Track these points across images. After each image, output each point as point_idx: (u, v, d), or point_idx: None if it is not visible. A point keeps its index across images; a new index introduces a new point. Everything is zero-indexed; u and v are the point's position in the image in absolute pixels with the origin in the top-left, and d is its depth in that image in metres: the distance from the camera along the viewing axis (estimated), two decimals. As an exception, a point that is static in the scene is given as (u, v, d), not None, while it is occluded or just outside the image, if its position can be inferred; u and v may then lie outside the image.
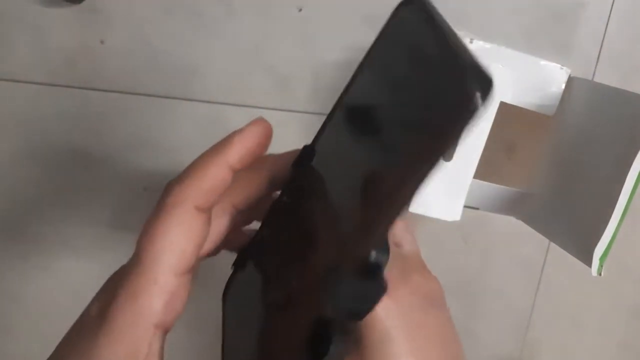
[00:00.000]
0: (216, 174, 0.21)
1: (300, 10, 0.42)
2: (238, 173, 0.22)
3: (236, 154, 0.21)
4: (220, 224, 0.23)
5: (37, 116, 0.43)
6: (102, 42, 0.42)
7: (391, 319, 0.22)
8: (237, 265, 0.25)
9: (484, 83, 0.16)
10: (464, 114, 0.17)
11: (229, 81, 0.43)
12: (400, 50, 0.23)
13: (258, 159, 0.22)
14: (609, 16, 0.46)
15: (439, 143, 0.19)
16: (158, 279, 0.19)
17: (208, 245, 0.22)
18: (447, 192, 0.37)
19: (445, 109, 0.18)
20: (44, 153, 0.44)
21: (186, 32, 0.42)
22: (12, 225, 0.45)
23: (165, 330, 0.20)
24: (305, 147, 0.23)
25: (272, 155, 0.24)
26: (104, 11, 0.41)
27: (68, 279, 0.47)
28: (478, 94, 0.16)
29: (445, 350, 0.24)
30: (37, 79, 0.42)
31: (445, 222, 0.38)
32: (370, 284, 0.19)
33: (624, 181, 0.32)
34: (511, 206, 0.41)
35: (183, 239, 0.20)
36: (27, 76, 0.42)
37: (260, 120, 0.22)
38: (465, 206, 0.38)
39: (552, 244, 0.39)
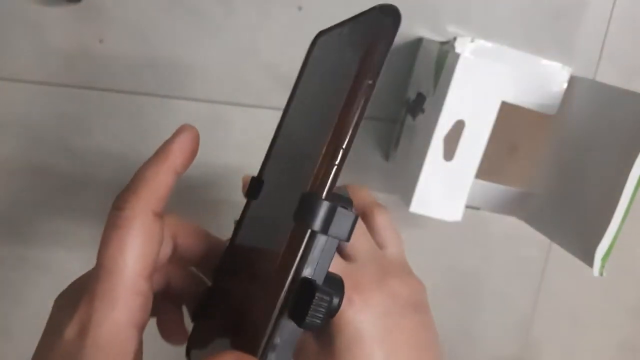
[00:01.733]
0: (166, 180, 0.22)
1: (300, 9, 0.42)
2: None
3: (178, 159, 0.23)
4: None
5: (36, 115, 0.42)
6: (101, 41, 0.41)
7: (362, 322, 0.22)
8: (195, 318, 0.25)
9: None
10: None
11: (228, 81, 0.43)
12: (319, 71, 0.26)
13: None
14: (611, 15, 0.46)
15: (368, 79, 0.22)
16: (133, 286, 0.20)
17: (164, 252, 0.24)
18: (448, 192, 0.37)
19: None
20: (43, 152, 0.43)
21: (186, 31, 0.42)
22: (10, 224, 0.45)
23: (143, 328, 0.21)
24: (253, 179, 0.25)
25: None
26: (103, 11, 0.41)
27: (68, 279, 0.46)
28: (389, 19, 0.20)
29: (421, 354, 0.25)
30: (36, 79, 0.42)
31: (446, 222, 0.37)
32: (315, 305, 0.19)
33: (626, 181, 0.32)
34: (512, 206, 0.41)
35: (148, 244, 0.21)
36: (26, 75, 0.42)
37: (188, 126, 0.24)
38: (466, 206, 0.38)
39: (554, 244, 0.39)
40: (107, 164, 0.44)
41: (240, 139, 0.45)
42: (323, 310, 0.19)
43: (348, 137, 0.22)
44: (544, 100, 0.39)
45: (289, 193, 0.21)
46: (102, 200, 0.45)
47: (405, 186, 0.38)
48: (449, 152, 0.36)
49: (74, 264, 0.46)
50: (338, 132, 0.21)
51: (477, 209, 0.41)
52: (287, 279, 0.19)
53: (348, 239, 0.20)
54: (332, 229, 0.19)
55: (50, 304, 0.23)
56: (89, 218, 0.45)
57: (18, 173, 0.44)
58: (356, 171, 0.47)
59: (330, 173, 0.21)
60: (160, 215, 0.22)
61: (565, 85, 0.39)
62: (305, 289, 0.19)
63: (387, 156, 0.46)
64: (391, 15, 0.21)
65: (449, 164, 0.36)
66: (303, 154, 0.22)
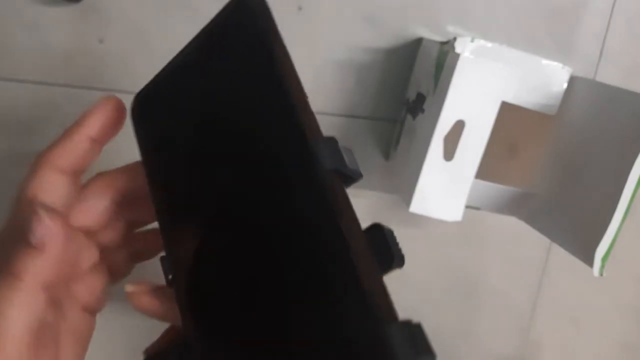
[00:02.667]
0: (77, 141, 0.24)
1: (300, 9, 0.42)
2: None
3: (93, 124, 0.25)
4: (99, 201, 0.25)
5: (35, 115, 0.42)
6: (100, 41, 0.41)
7: None
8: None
9: None
10: None
11: (228, 81, 0.43)
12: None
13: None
14: (611, 15, 0.46)
15: None
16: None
17: (86, 216, 0.24)
18: (448, 192, 0.37)
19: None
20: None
21: (186, 31, 0.42)
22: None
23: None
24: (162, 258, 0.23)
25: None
26: (103, 10, 0.41)
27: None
28: None
29: None
30: (35, 78, 0.42)
31: (446, 222, 0.37)
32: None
33: (626, 181, 0.32)
34: (513, 206, 0.41)
35: (50, 193, 0.23)
36: (26, 75, 0.42)
37: (110, 96, 0.25)
38: (466, 206, 0.38)
39: (554, 244, 0.39)
40: (106, 164, 0.44)
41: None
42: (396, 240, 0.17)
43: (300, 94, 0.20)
44: (544, 100, 0.39)
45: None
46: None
47: (405, 186, 0.38)
48: (449, 152, 0.36)
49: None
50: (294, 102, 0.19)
51: (477, 209, 0.41)
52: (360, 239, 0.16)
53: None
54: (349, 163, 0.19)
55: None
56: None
57: (17, 172, 0.44)
58: (356, 171, 0.47)
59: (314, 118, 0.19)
60: (67, 173, 0.24)
61: (565, 85, 0.39)
62: (375, 234, 0.17)
63: (387, 156, 0.46)
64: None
65: (449, 164, 0.36)
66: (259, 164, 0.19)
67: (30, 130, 0.43)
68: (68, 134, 0.25)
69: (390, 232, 0.18)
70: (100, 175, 0.26)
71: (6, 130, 0.43)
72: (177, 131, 0.23)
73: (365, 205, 0.47)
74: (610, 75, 0.47)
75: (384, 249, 0.17)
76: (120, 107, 0.25)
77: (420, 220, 0.48)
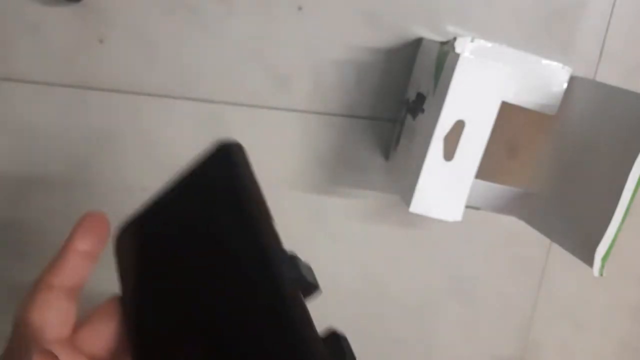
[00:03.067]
0: (69, 259, 0.25)
1: (300, 9, 0.42)
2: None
3: (82, 239, 0.25)
4: (106, 326, 0.24)
5: (35, 115, 0.42)
6: (100, 41, 0.41)
7: None
8: None
9: None
10: None
11: (228, 80, 0.43)
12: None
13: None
14: (611, 15, 0.46)
15: None
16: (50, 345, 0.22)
17: (93, 342, 0.24)
18: (448, 192, 0.37)
19: None
20: (43, 152, 0.43)
21: (186, 31, 0.42)
22: (10, 224, 0.45)
23: None
24: None
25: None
26: (103, 10, 0.41)
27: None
28: None
29: None
30: (36, 78, 0.42)
31: (446, 222, 0.37)
32: None
33: (626, 180, 0.32)
34: (513, 206, 0.41)
35: (48, 314, 0.23)
36: (26, 75, 0.42)
37: (94, 212, 0.26)
38: (466, 206, 0.38)
39: (554, 244, 0.39)
40: (105, 164, 0.44)
41: (240, 139, 0.45)
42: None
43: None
44: (544, 100, 0.39)
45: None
46: (100, 200, 0.45)
47: (405, 186, 0.38)
48: (449, 152, 0.36)
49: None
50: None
51: (477, 209, 0.41)
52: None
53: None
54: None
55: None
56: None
57: (17, 172, 0.44)
58: (356, 171, 0.47)
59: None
60: (68, 292, 0.24)
61: (565, 85, 0.39)
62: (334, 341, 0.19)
63: (387, 156, 0.46)
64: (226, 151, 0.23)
65: (449, 164, 0.36)
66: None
67: (30, 130, 0.43)
68: (60, 253, 0.25)
69: (345, 339, 0.20)
70: (112, 298, 0.25)
71: (6, 130, 0.43)
72: (153, 262, 0.25)
73: (365, 205, 0.47)
74: (610, 75, 0.47)
75: (340, 356, 0.20)
76: (104, 220, 0.26)
77: (420, 220, 0.48)
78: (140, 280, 0.25)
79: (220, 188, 0.24)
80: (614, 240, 0.33)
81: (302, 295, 0.20)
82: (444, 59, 0.37)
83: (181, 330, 0.22)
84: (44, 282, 0.24)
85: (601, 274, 0.33)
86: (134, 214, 0.27)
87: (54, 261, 0.25)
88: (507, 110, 0.37)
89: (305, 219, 0.47)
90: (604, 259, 0.33)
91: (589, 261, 0.33)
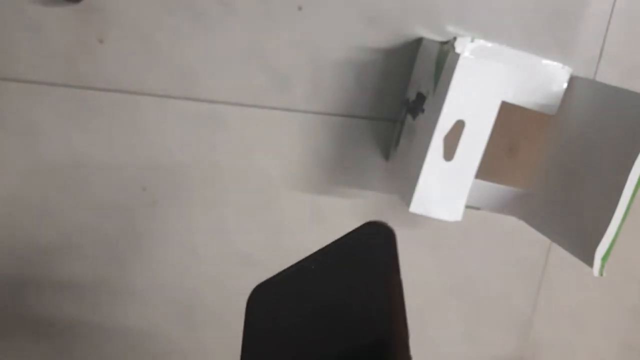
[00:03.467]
0: None
1: (300, 9, 0.42)
2: None
3: None
4: None
5: (35, 115, 0.42)
6: (100, 41, 0.41)
7: None
8: None
9: None
10: None
11: (228, 80, 0.43)
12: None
13: None
14: (611, 15, 0.46)
15: None
16: None
17: None
18: (448, 192, 0.37)
19: None
20: (43, 152, 0.43)
21: (186, 31, 0.42)
22: (10, 225, 0.45)
23: None
24: None
25: None
26: (103, 10, 0.41)
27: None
28: None
29: None
30: (36, 78, 0.42)
31: (446, 222, 0.37)
32: None
33: (626, 180, 0.32)
34: (513, 206, 0.41)
35: None
36: (25, 75, 0.42)
37: None
38: (466, 206, 0.38)
39: (554, 244, 0.39)
40: (106, 164, 0.44)
41: (240, 139, 0.45)
42: None
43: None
44: (544, 100, 0.39)
45: None
46: (100, 201, 0.45)
47: (405, 186, 0.38)
48: (449, 152, 0.36)
49: (77, 263, 0.46)
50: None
51: (477, 209, 0.41)
52: None
53: None
54: None
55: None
56: (86, 217, 0.45)
57: (17, 172, 0.44)
58: (356, 171, 0.47)
59: None
60: None
61: (565, 85, 0.39)
62: None
63: (387, 156, 0.46)
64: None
65: (449, 164, 0.36)
66: None
67: (30, 130, 0.43)
68: None
69: None
70: None
71: (6, 130, 0.43)
72: (281, 324, 0.25)
73: (365, 205, 0.47)
74: (610, 75, 0.47)
75: None
76: None
77: (420, 220, 0.48)
78: (262, 339, 0.25)
79: (365, 270, 0.24)
80: (614, 240, 0.33)
81: None
82: (444, 59, 0.37)
83: None
84: None
85: (601, 274, 0.33)
86: (274, 275, 0.27)
87: None
88: (507, 110, 0.37)
89: (305, 219, 0.47)
90: (604, 259, 0.33)
91: (589, 261, 0.33)
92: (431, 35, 0.44)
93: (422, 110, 0.39)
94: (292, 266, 0.26)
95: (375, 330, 0.21)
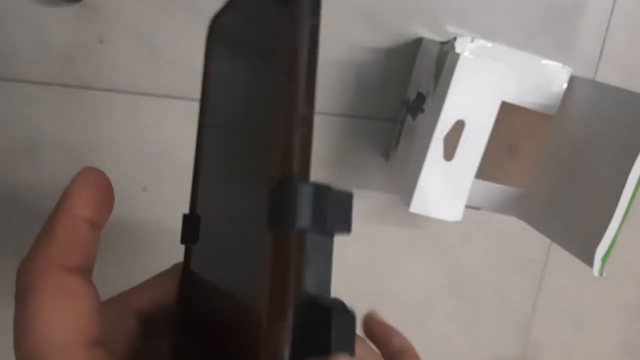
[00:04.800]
0: (77, 230, 0.18)
1: (300, 9, 0.42)
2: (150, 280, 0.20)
3: (78, 201, 0.18)
4: (125, 324, 0.19)
5: (35, 115, 0.42)
6: (100, 41, 0.41)
7: None
8: None
9: None
10: None
11: (228, 81, 0.43)
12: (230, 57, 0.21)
13: None
14: (611, 15, 0.46)
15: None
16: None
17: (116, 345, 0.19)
18: (448, 192, 0.37)
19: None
20: (43, 152, 0.43)
21: (185, 31, 0.42)
22: (10, 226, 0.45)
23: None
24: (185, 217, 0.20)
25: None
26: (103, 10, 0.41)
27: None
28: None
29: None
30: (36, 78, 0.42)
31: (446, 222, 0.37)
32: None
33: (626, 180, 0.32)
34: (513, 206, 0.41)
35: (67, 308, 0.16)
36: (25, 75, 0.42)
37: (90, 168, 0.19)
38: (466, 206, 0.38)
39: (554, 244, 0.39)
40: (106, 164, 0.44)
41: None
42: (350, 332, 0.14)
43: (306, 88, 0.15)
44: (544, 100, 0.39)
45: (244, 211, 0.16)
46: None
47: (405, 186, 0.38)
48: (449, 152, 0.36)
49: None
50: (293, 89, 0.15)
51: (477, 209, 0.41)
52: (285, 311, 0.13)
53: (349, 230, 0.15)
54: (328, 221, 0.14)
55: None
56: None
57: (17, 173, 0.44)
58: (356, 171, 0.47)
59: (301, 144, 0.14)
60: (75, 271, 0.17)
61: (565, 85, 0.39)
62: (313, 316, 0.14)
63: (387, 156, 0.46)
64: None
65: (449, 164, 0.36)
66: (249, 153, 0.16)
67: (30, 130, 0.43)
68: (60, 222, 0.18)
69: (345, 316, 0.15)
70: (120, 296, 0.21)
71: (6, 130, 0.43)
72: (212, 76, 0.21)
73: (365, 205, 0.47)
74: (610, 75, 0.47)
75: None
76: (103, 178, 0.19)
77: (420, 220, 0.48)
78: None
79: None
80: (614, 240, 0.33)
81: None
82: (444, 59, 0.37)
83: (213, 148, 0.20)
84: (52, 261, 0.17)
85: (601, 274, 0.33)
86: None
87: (56, 234, 0.18)
88: (507, 110, 0.37)
89: (305, 219, 0.47)
90: (604, 259, 0.33)
91: (589, 261, 0.33)
92: (431, 35, 0.44)
93: (422, 110, 0.39)
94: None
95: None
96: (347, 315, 0.14)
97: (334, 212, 0.14)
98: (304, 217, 0.13)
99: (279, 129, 0.14)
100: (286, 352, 0.13)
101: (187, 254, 0.20)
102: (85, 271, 0.18)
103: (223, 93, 0.21)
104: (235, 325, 0.16)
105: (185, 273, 0.20)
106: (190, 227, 0.20)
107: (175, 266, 0.21)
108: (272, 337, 0.13)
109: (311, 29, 0.16)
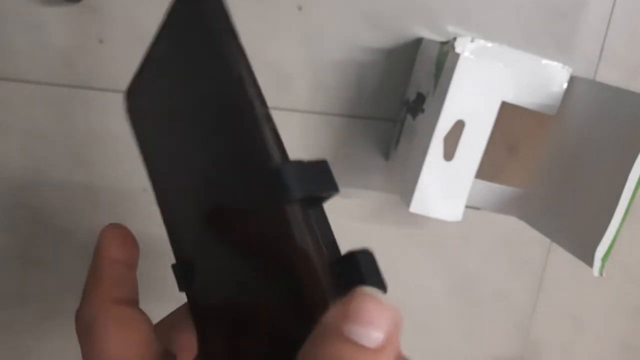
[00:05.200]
0: (111, 268, 0.21)
1: (300, 9, 0.42)
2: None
3: (115, 248, 0.21)
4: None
5: (35, 115, 0.42)
6: (100, 41, 0.41)
7: None
8: None
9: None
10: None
11: (228, 81, 0.43)
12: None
13: None
14: (611, 15, 0.46)
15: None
16: None
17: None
18: (448, 192, 0.37)
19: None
20: (43, 152, 0.43)
21: (186, 31, 0.42)
22: (9, 226, 0.45)
23: None
24: (175, 268, 0.22)
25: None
26: (103, 10, 0.41)
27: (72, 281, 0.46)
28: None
29: None
30: (35, 78, 0.42)
31: (446, 222, 0.37)
32: None
33: (626, 180, 0.32)
34: (513, 206, 0.41)
35: (130, 333, 0.19)
36: (25, 75, 0.42)
37: (114, 224, 0.23)
38: (466, 206, 0.38)
39: (554, 244, 0.39)
40: (106, 164, 0.44)
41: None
42: (376, 266, 0.16)
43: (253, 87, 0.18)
44: (544, 100, 0.39)
45: (238, 217, 0.17)
46: (100, 201, 0.45)
47: (405, 186, 0.38)
48: (449, 152, 0.36)
49: (78, 263, 0.46)
50: (248, 100, 0.18)
51: (477, 209, 0.41)
52: (319, 281, 0.15)
53: (337, 188, 0.17)
54: (317, 184, 0.16)
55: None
56: (86, 218, 0.45)
57: (17, 173, 0.44)
58: (356, 171, 0.47)
59: (272, 135, 0.17)
60: (125, 302, 0.20)
61: (565, 85, 0.39)
62: (341, 260, 0.16)
63: (387, 156, 0.46)
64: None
65: (449, 164, 0.36)
66: (226, 167, 0.18)
67: (30, 130, 0.43)
68: (105, 266, 0.21)
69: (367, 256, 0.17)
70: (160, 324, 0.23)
71: (5, 130, 0.43)
72: (157, 126, 0.23)
73: (365, 205, 0.47)
74: (610, 75, 0.47)
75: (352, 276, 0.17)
76: (127, 229, 0.23)
77: (420, 220, 0.48)
78: (148, 140, 0.23)
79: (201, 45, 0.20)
80: (614, 240, 0.33)
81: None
82: (444, 59, 0.37)
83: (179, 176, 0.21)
84: (102, 296, 0.20)
85: (601, 274, 0.33)
86: (135, 72, 0.24)
87: (103, 273, 0.21)
88: (507, 110, 0.37)
89: (305, 219, 0.47)
90: (604, 259, 0.33)
91: (589, 261, 0.33)
92: (431, 35, 0.44)
93: (422, 110, 0.39)
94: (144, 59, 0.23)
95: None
96: (367, 252, 0.16)
97: (318, 177, 0.16)
98: (297, 187, 0.16)
99: (249, 130, 0.17)
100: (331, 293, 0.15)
101: (191, 296, 0.21)
102: (135, 302, 0.21)
103: (171, 137, 0.22)
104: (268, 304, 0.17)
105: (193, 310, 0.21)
106: (183, 275, 0.21)
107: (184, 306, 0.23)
108: (319, 286, 0.15)
109: (227, 32, 0.18)
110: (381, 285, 0.16)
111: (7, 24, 0.40)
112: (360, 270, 0.16)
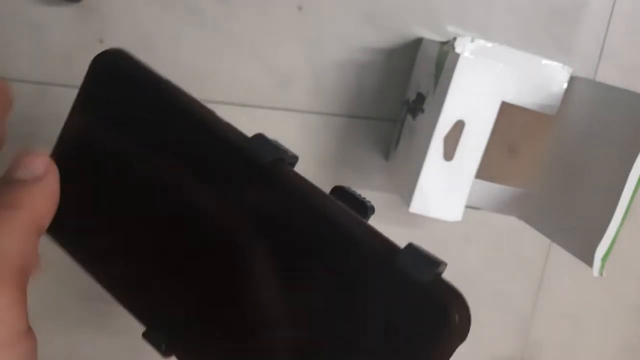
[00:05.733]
0: None
1: (300, 9, 0.42)
2: None
3: None
4: None
5: (35, 116, 0.42)
6: (100, 41, 0.41)
7: None
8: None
9: None
10: None
11: (228, 80, 0.43)
12: None
13: None
14: (611, 15, 0.46)
15: None
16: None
17: None
18: (448, 192, 0.37)
19: None
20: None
21: (185, 31, 0.42)
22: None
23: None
24: (145, 335, 0.22)
25: None
26: (103, 10, 0.41)
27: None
28: None
29: None
30: (35, 78, 0.42)
31: (446, 222, 0.37)
32: None
33: (626, 181, 0.32)
34: (513, 206, 0.41)
35: None
36: (25, 75, 0.42)
37: None
38: (466, 206, 0.38)
39: (554, 244, 0.39)
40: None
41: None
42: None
43: None
44: (544, 100, 0.39)
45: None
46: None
47: (405, 186, 0.38)
48: (449, 152, 0.36)
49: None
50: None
51: (477, 209, 0.41)
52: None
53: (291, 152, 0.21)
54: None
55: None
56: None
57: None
58: (356, 171, 0.47)
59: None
60: None
61: (565, 85, 0.39)
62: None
63: (387, 156, 0.46)
64: None
65: (449, 164, 0.36)
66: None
67: (30, 130, 0.43)
68: None
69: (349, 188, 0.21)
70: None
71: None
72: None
73: (365, 205, 0.47)
74: (610, 75, 0.47)
75: (354, 202, 0.21)
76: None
77: (420, 220, 0.48)
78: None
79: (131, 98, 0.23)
80: (614, 240, 0.33)
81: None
82: (444, 59, 0.37)
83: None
84: None
85: (601, 274, 0.33)
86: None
87: None
88: (507, 110, 0.37)
89: (305, 219, 0.47)
90: (604, 259, 0.33)
91: (589, 261, 0.33)
92: (431, 35, 0.44)
93: (422, 110, 0.39)
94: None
95: None
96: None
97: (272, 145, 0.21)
98: (269, 151, 0.20)
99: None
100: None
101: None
102: None
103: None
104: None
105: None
106: (158, 339, 0.21)
107: None
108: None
109: None
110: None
111: (7, 24, 0.40)
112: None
